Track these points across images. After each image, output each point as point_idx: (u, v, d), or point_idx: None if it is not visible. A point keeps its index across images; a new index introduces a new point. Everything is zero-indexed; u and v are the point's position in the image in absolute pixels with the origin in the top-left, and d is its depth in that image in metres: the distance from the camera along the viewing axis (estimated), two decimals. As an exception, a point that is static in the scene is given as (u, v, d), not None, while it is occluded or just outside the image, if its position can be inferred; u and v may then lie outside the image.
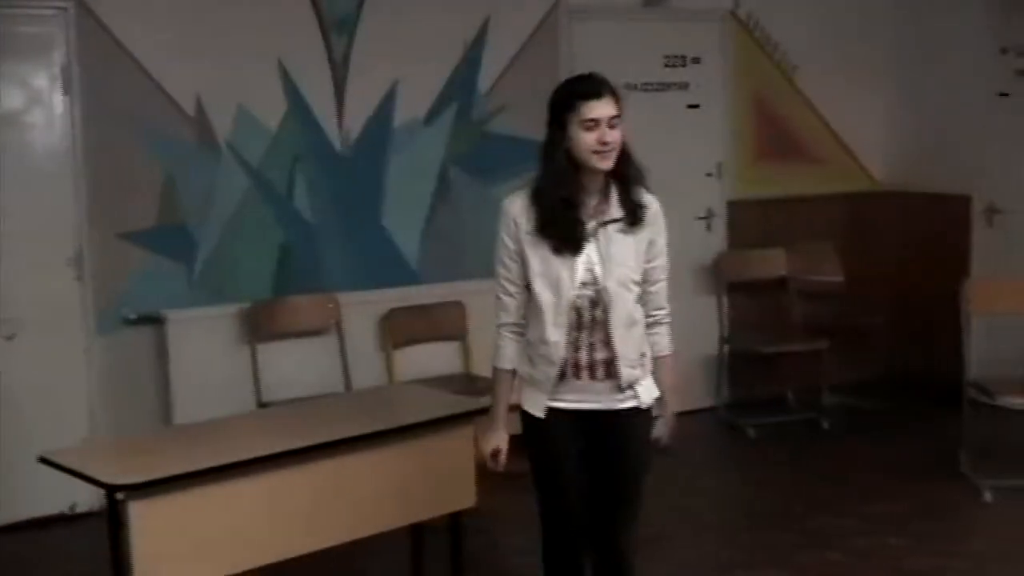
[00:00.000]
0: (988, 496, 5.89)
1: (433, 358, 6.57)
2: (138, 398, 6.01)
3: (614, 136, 3.58)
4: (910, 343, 8.13)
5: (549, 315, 3.63)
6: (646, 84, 7.30)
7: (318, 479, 4.26)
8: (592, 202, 3.65)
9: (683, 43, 7.53)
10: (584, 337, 3.65)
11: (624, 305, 3.65)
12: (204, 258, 6.13)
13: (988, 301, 6.39)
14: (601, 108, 3.58)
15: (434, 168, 6.73)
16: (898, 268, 8.20)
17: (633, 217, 3.65)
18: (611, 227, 3.64)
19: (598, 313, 3.63)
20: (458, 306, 6.61)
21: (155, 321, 5.99)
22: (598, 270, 3.63)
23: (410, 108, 6.62)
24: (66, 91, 5.79)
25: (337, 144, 6.44)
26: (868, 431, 7.25)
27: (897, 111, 8.18)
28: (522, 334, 3.78)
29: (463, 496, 4.70)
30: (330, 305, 6.29)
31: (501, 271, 3.76)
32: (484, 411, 4.76)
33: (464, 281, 6.72)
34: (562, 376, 3.67)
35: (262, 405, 5.93)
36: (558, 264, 3.62)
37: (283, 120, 6.28)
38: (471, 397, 5.37)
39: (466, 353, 6.66)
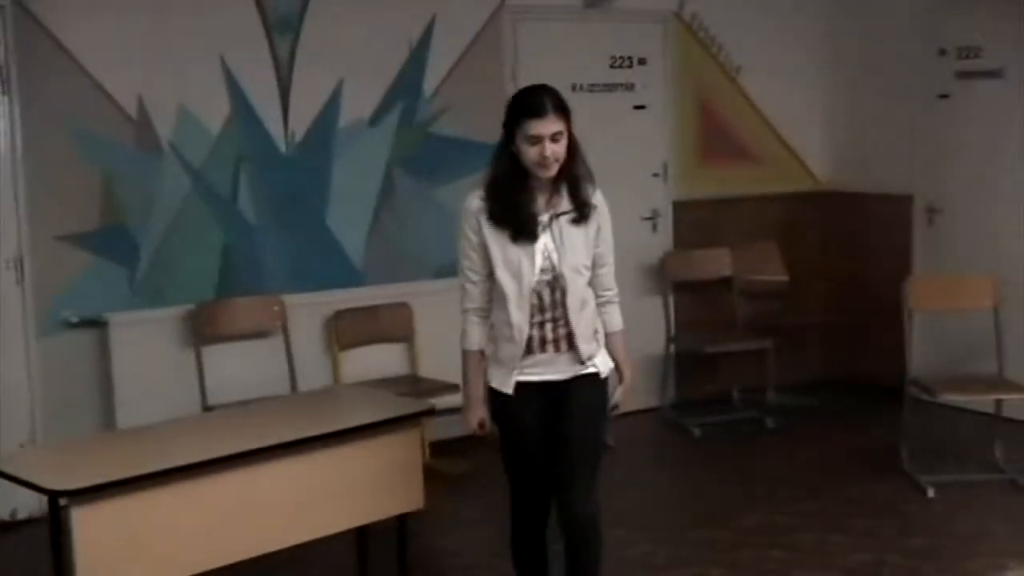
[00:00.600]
0: (931, 492, 5.96)
1: (379, 360, 6.57)
2: (80, 402, 5.95)
3: (554, 150, 3.87)
4: (852, 342, 8.20)
5: (513, 300, 3.95)
6: (592, 85, 7.32)
7: (264, 482, 4.25)
8: (543, 198, 3.97)
9: (628, 44, 7.55)
10: (547, 316, 3.99)
11: (577, 288, 4.00)
12: (147, 260, 6.08)
13: (929, 299, 6.46)
14: (544, 126, 3.86)
15: (379, 169, 6.71)
16: (841, 267, 8.28)
17: (581, 214, 3.99)
18: (563, 218, 3.97)
19: (556, 295, 3.98)
20: (404, 307, 6.61)
21: (97, 324, 5.94)
22: (554, 257, 3.96)
23: (355, 109, 6.60)
24: (4, 91, 5.73)
25: (281, 145, 6.41)
26: (811, 429, 7.30)
27: (838, 112, 8.26)
28: (486, 317, 4.08)
29: (411, 498, 4.71)
30: (275, 307, 6.27)
31: (464, 262, 4.04)
32: (431, 412, 4.83)
33: (410, 282, 6.76)
34: (529, 351, 4.00)
35: (207, 408, 5.89)
36: (518, 253, 3.94)
37: (226, 121, 6.25)
38: (418, 399, 5.40)
39: (412, 355, 6.66)
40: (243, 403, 5.65)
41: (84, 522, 3.79)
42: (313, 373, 6.34)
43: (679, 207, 7.83)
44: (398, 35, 6.71)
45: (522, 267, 3.94)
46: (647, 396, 7.48)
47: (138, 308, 6.03)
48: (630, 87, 7.54)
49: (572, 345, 4.03)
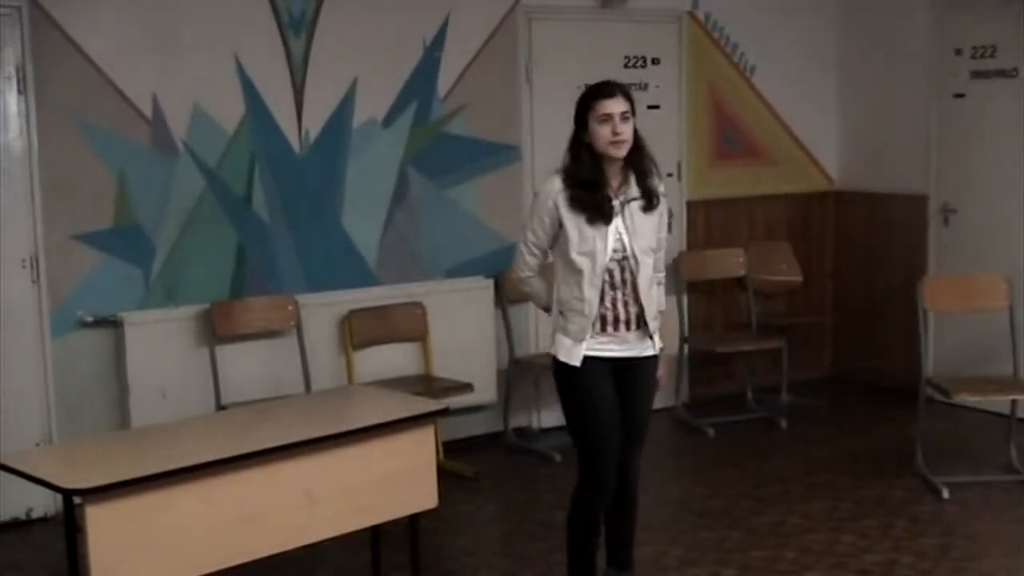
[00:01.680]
0: (945, 493, 5.95)
1: (393, 359, 6.57)
2: (94, 401, 5.96)
3: (625, 128, 4.30)
4: (866, 342, 8.19)
5: (586, 277, 4.31)
6: (605, 85, 7.29)
7: (278, 481, 4.25)
8: (614, 184, 4.35)
9: (642, 44, 7.55)
10: (618, 295, 4.36)
11: (647, 269, 4.39)
12: (161, 260, 6.08)
13: (944, 299, 6.45)
14: (613, 105, 4.29)
15: (393, 169, 6.70)
16: (855, 267, 8.27)
17: (649, 201, 4.39)
18: (634, 204, 4.36)
19: (627, 275, 4.35)
20: (417, 307, 6.62)
21: (111, 323, 5.95)
22: (626, 239, 4.33)
23: (369, 109, 6.59)
24: (20, 91, 5.74)
25: (296, 145, 6.41)
26: (824, 430, 7.30)
27: (852, 111, 8.25)
28: (540, 277, 4.55)
29: (424, 497, 4.71)
30: (289, 306, 6.27)
31: (532, 236, 4.44)
32: (444, 412, 4.83)
33: (423, 282, 6.75)
34: (603, 329, 4.35)
35: (221, 407, 5.90)
36: (593, 233, 4.29)
37: (241, 121, 6.25)
38: (431, 398, 5.39)
39: (426, 354, 6.65)
40: (257, 403, 5.66)
41: (98, 521, 3.79)
42: (327, 373, 6.34)
43: (693, 207, 7.83)
44: (412, 34, 6.70)
45: (596, 247, 4.29)
46: (661, 395, 7.43)
47: (152, 307, 6.03)
48: (644, 87, 7.53)
49: (642, 322, 4.40)
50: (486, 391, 6.79)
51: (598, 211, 4.30)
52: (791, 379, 7.70)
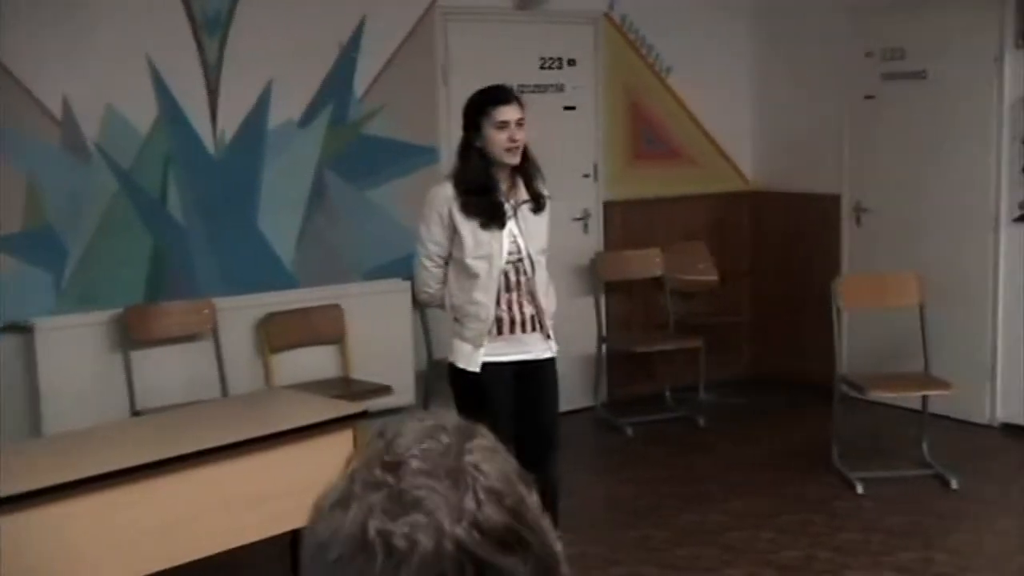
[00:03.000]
0: (860, 488, 6.03)
1: (311, 362, 6.53)
2: (5, 409, 5.82)
3: (521, 135, 4.35)
4: (782, 340, 8.29)
5: (481, 281, 4.35)
6: (522, 86, 7.23)
7: (195, 487, 4.21)
8: (504, 188, 4.42)
9: (558, 45, 7.57)
10: (514, 297, 4.40)
11: (542, 269, 4.47)
12: (73, 264, 5.99)
13: (857, 297, 6.57)
14: (511, 112, 4.35)
15: (309, 171, 6.66)
16: (771, 266, 8.36)
17: (537, 204, 4.47)
18: (524, 207, 4.44)
19: (521, 277, 4.41)
20: (336, 309, 6.58)
21: (22, 330, 5.84)
22: (521, 241, 4.42)
23: (285, 110, 6.54)
24: (-74, 93, 5.62)
25: (211, 147, 6.35)
26: (742, 428, 7.38)
27: (767, 112, 8.34)
28: (442, 299, 4.53)
29: (343, 501, 4.67)
30: (205, 310, 6.21)
31: (431, 247, 4.45)
32: (363, 415, 4.81)
33: (341, 284, 6.71)
34: (499, 332, 4.38)
35: (136, 413, 5.83)
36: (488, 238, 4.35)
37: (155, 122, 6.17)
38: (350, 401, 5.37)
39: (344, 356, 6.63)
40: (173, 408, 5.59)
41: (10, 531, 3.72)
42: (244, 376, 6.28)
43: (610, 207, 7.86)
44: (328, 35, 6.66)
45: (492, 251, 4.34)
46: (580, 396, 7.50)
47: (65, 312, 5.93)
48: (560, 88, 7.56)
49: (539, 323, 4.45)
50: (405, 393, 6.75)
51: (492, 215, 4.36)
52: (710, 378, 7.75)
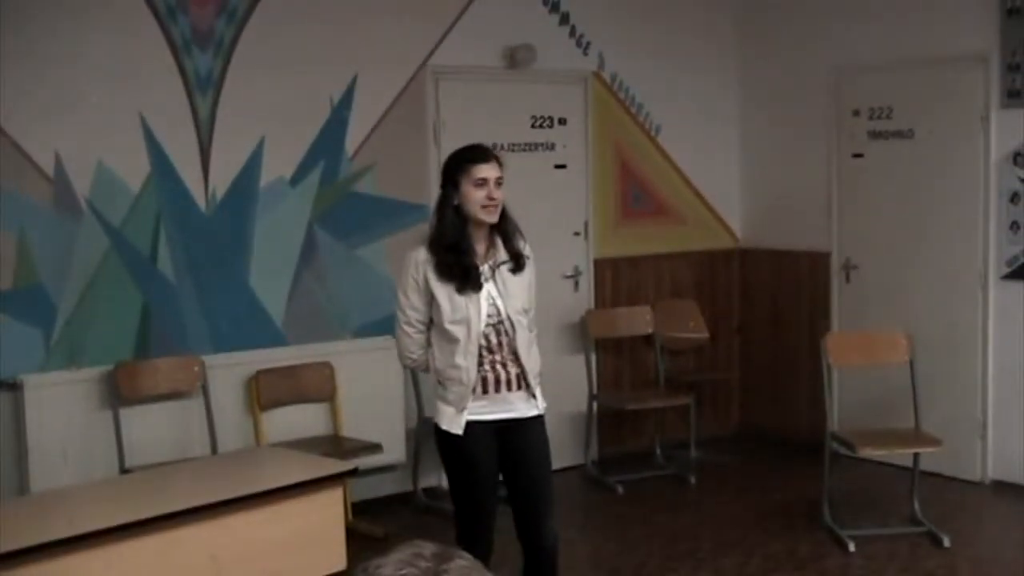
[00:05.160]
0: (851, 546, 6.01)
1: (301, 420, 6.50)
2: (-7, 466, 5.82)
3: (499, 194, 4.33)
4: (772, 397, 8.29)
5: (461, 345, 4.30)
6: (513, 144, 7.35)
7: (185, 545, 4.18)
8: (481, 249, 4.38)
9: (549, 104, 7.61)
10: (496, 358, 4.35)
11: (523, 329, 4.39)
12: (63, 321, 5.97)
13: (847, 354, 6.56)
14: (490, 170, 4.33)
15: (300, 228, 6.67)
16: (760, 323, 8.38)
17: (517, 263, 4.40)
18: (503, 268, 4.38)
19: (503, 338, 4.35)
20: (325, 367, 6.56)
21: (10, 387, 5.81)
22: (500, 303, 4.35)
23: (276, 168, 6.56)
24: (-82, 150, 5.62)
25: (202, 204, 6.35)
26: (733, 485, 7.35)
27: (756, 170, 8.38)
28: (425, 367, 4.50)
29: (333, 559, 4.66)
30: (195, 367, 6.18)
31: (410, 313, 4.41)
32: (353, 473, 4.80)
33: (331, 342, 6.70)
34: (484, 391, 4.34)
35: (125, 471, 5.78)
36: (464, 302, 4.30)
37: (146, 180, 6.18)
38: (340, 459, 5.36)
39: (334, 414, 6.60)
40: (162, 465, 5.57)
41: (-3, 590, 3.70)
42: (234, 434, 6.26)
43: (600, 265, 7.88)
44: (319, 94, 6.69)
45: (470, 315, 4.28)
46: (570, 453, 7.48)
47: (54, 369, 5.91)
48: (551, 146, 7.60)
49: (524, 382, 4.39)
50: (395, 451, 6.74)
51: (466, 278, 4.31)
52: (700, 435, 7.74)
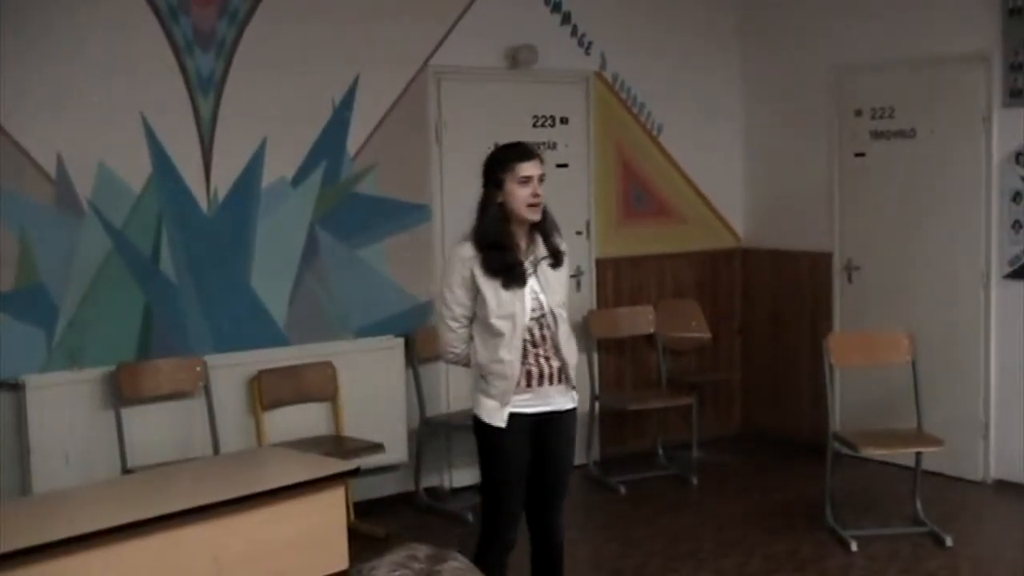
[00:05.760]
0: (853, 546, 6.00)
1: (303, 420, 6.51)
2: (-5, 467, 5.82)
3: (542, 191, 4.45)
4: (773, 397, 8.29)
5: (505, 340, 4.38)
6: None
7: (187, 545, 4.18)
8: (522, 245, 4.49)
9: (551, 104, 7.61)
10: (540, 352, 4.45)
11: (564, 322, 4.51)
12: (65, 321, 5.97)
13: (849, 354, 6.56)
14: (534, 167, 4.46)
15: (302, 229, 6.67)
16: (762, 324, 8.38)
17: (556, 259, 4.52)
18: (543, 263, 4.48)
19: (545, 332, 4.46)
20: (327, 367, 6.57)
21: (12, 387, 5.81)
22: (542, 297, 4.46)
23: (278, 168, 6.56)
24: (-80, 151, 5.62)
25: (204, 205, 6.35)
26: (734, 485, 7.35)
27: (758, 170, 8.38)
28: (467, 362, 4.57)
29: (335, 559, 4.66)
30: (197, 367, 6.19)
31: (456, 309, 4.49)
32: (354, 473, 4.80)
33: (333, 342, 6.70)
34: (528, 385, 4.43)
35: (127, 471, 5.79)
36: (510, 297, 4.39)
37: (148, 180, 6.17)
38: (341, 459, 5.36)
39: (336, 414, 6.61)
40: (164, 466, 5.57)
41: (-1, 590, 3.70)
42: (236, 434, 6.27)
43: (602, 265, 7.88)
44: (321, 94, 6.69)
45: (515, 309, 4.38)
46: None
47: (55, 370, 5.91)
48: (552, 146, 7.59)
49: (564, 376, 4.50)
50: (397, 451, 6.75)
51: (512, 274, 4.39)
52: (701, 435, 7.73)
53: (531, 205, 4.41)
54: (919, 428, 6.41)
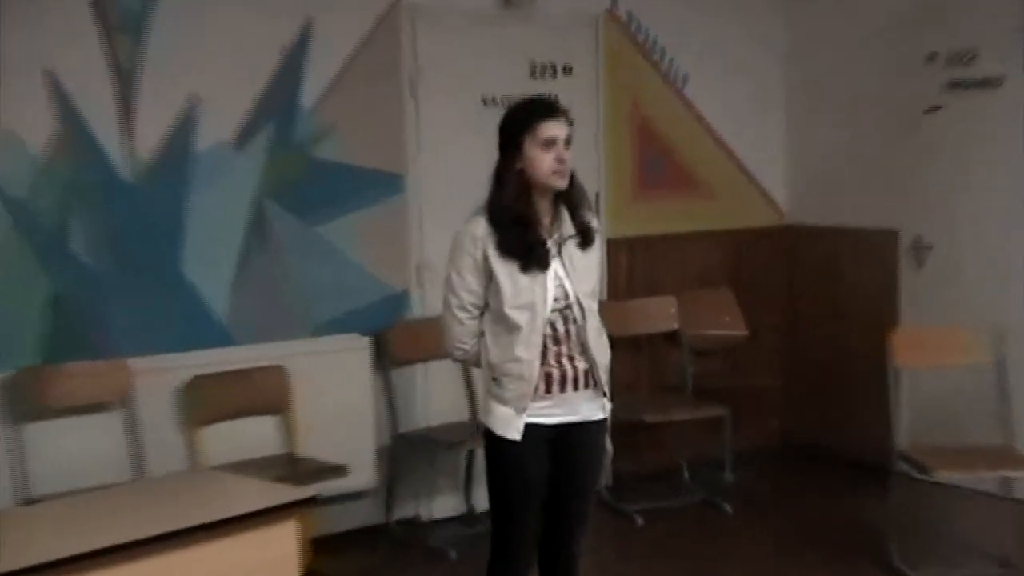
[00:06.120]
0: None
1: (249, 437, 6.48)
2: None
3: (569, 155, 4.44)
4: (824, 407, 8.32)
5: (523, 334, 4.40)
6: (508, 98, 7.17)
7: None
8: (546, 221, 4.50)
9: (552, 50, 7.61)
10: (563, 350, 4.47)
11: (593, 316, 4.52)
12: (-47, 316, 5.95)
13: (919, 355, 6.57)
14: (558, 127, 4.45)
15: (247, 202, 6.65)
16: (810, 318, 8.41)
17: (585, 237, 4.52)
18: (570, 243, 4.50)
19: (571, 326, 4.47)
20: (279, 372, 6.55)
21: None
22: (567, 284, 4.47)
23: (216, 129, 6.53)
24: None
25: (125, 173, 6.31)
26: (777, 515, 7.35)
27: (806, 130, 8.42)
28: (477, 361, 4.62)
29: (287, 607, 4.60)
30: (118, 373, 6.16)
31: (464, 296, 4.51)
32: (312, 501, 4.74)
33: (286, 341, 6.70)
34: (548, 390, 4.45)
35: (30, 501, 5.74)
36: (529, 283, 4.41)
37: (54, 143, 6.13)
38: (296, 485, 5.32)
39: (290, 430, 6.58)
40: (77, 494, 5.49)
41: None
42: (166, 454, 6.20)
43: (614, 247, 7.80)
44: (269, 38, 6.66)
45: (535, 298, 4.41)
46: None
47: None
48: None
49: (592, 380, 4.53)
50: (364, 473, 6.75)
51: (532, 255, 4.41)
52: (735, 453, 7.75)
53: (556, 172, 4.41)
54: (1008, 445, 6.37)
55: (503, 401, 4.47)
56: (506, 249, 4.41)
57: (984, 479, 6.56)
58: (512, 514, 4.57)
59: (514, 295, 4.40)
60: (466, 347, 4.59)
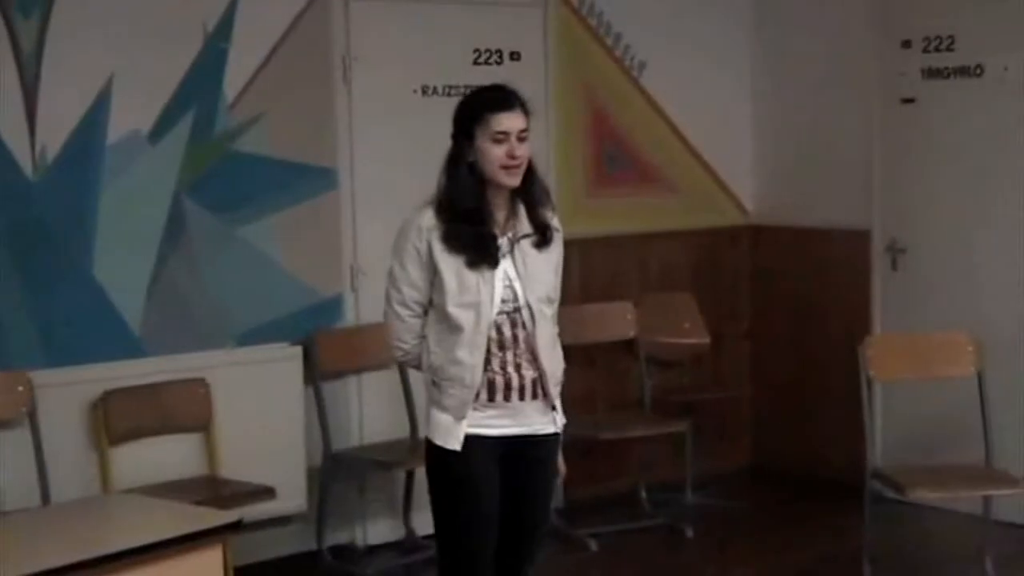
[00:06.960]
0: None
1: (166, 457, 6.46)
2: None
3: (523, 151, 4.44)
4: (793, 422, 8.33)
5: (466, 335, 4.41)
6: (450, 87, 7.30)
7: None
8: (500, 216, 4.51)
9: (498, 34, 7.61)
10: (509, 357, 4.47)
11: (546, 322, 4.54)
12: None
13: (894, 365, 6.61)
14: (512, 120, 4.43)
15: (164, 200, 6.62)
16: (778, 325, 8.43)
17: (543, 237, 4.55)
18: (524, 242, 4.51)
19: (519, 331, 4.49)
20: (199, 385, 6.53)
21: None
22: (517, 286, 4.48)
23: (129, 118, 6.49)
24: None
25: (27, 167, 6.26)
26: (743, 539, 7.36)
27: (773, 122, 8.45)
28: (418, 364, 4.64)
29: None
30: (19, 387, 6.09)
31: (407, 291, 4.53)
32: (236, 526, 4.73)
33: (206, 352, 6.67)
34: (491, 399, 4.46)
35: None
36: (475, 280, 4.42)
37: (-53, 134, 6.11)
38: (218, 508, 5.33)
39: (211, 449, 6.56)
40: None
41: None
42: (73, 477, 6.17)
43: (566, 248, 7.71)
44: (188, 19, 6.63)
45: (481, 297, 4.41)
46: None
47: None
48: (500, 90, 7.54)
49: (541, 390, 4.52)
50: (293, 496, 6.74)
51: (480, 250, 4.42)
52: (699, 473, 7.78)
53: (506, 167, 4.41)
54: (988, 463, 6.40)
55: (443, 408, 4.47)
56: (452, 242, 4.42)
57: (963, 499, 6.57)
58: (460, 541, 4.55)
59: (458, 292, 4.41)
60: (406, 347, 4.61)
